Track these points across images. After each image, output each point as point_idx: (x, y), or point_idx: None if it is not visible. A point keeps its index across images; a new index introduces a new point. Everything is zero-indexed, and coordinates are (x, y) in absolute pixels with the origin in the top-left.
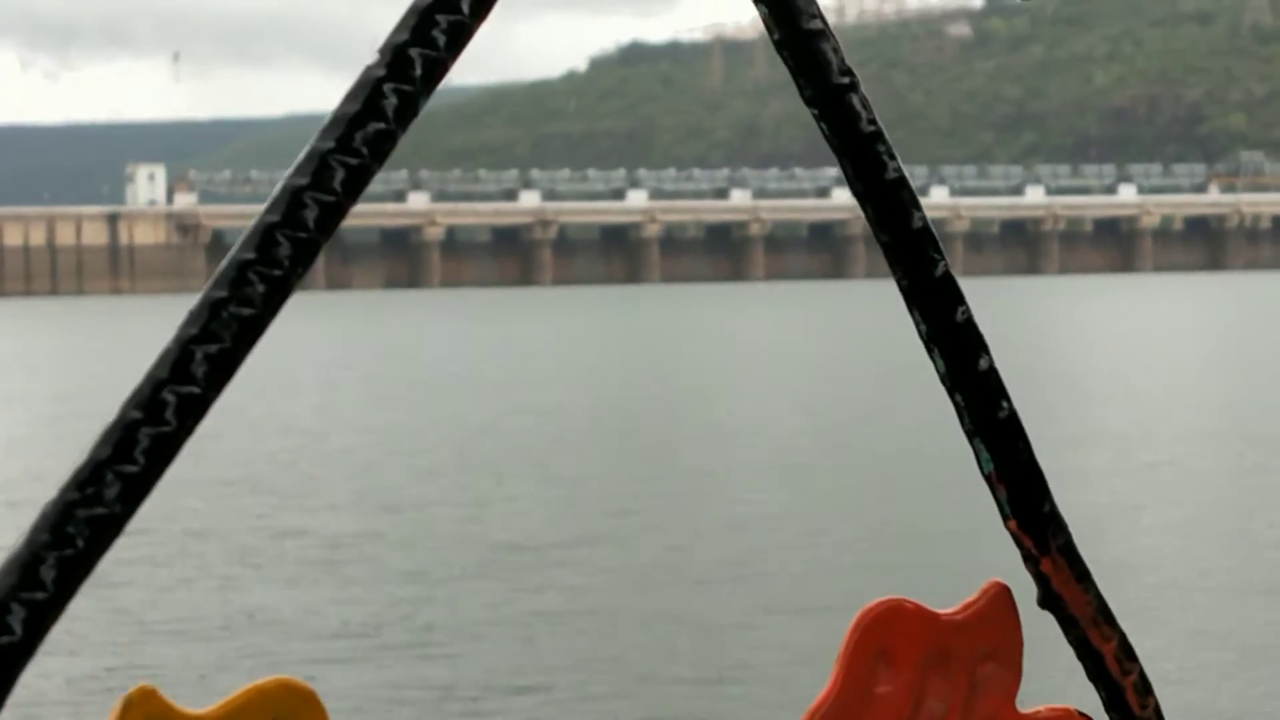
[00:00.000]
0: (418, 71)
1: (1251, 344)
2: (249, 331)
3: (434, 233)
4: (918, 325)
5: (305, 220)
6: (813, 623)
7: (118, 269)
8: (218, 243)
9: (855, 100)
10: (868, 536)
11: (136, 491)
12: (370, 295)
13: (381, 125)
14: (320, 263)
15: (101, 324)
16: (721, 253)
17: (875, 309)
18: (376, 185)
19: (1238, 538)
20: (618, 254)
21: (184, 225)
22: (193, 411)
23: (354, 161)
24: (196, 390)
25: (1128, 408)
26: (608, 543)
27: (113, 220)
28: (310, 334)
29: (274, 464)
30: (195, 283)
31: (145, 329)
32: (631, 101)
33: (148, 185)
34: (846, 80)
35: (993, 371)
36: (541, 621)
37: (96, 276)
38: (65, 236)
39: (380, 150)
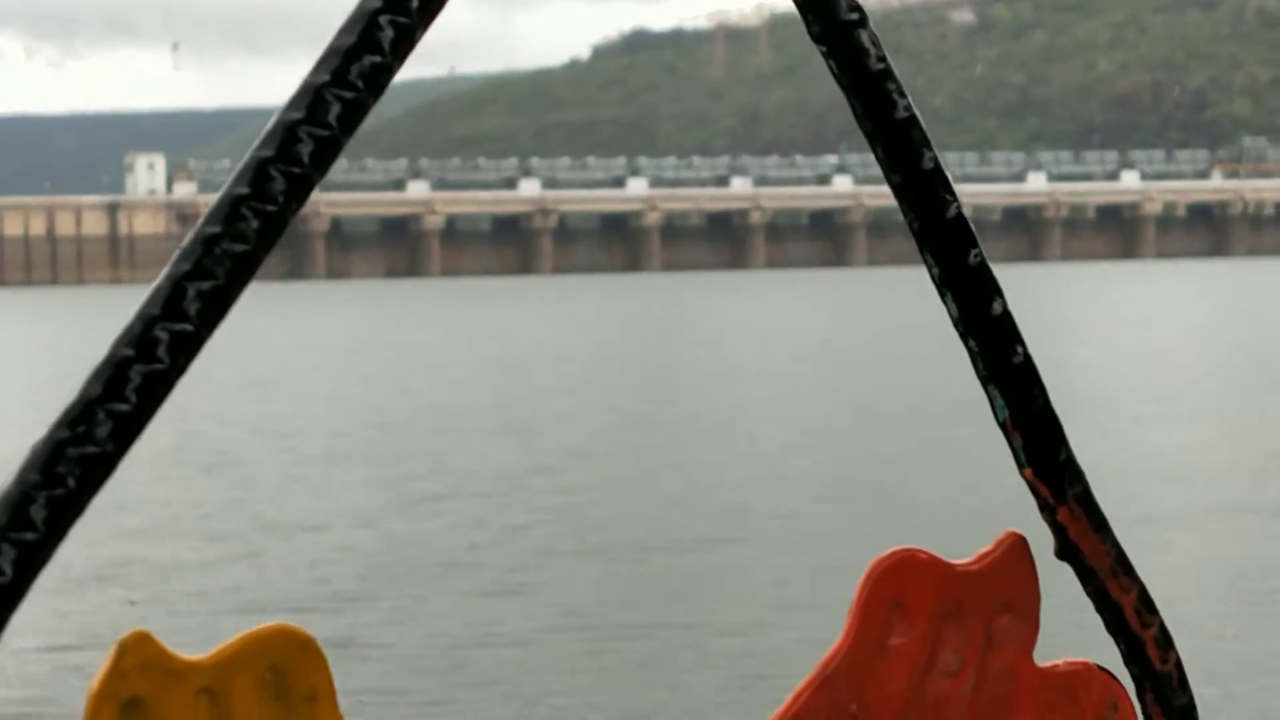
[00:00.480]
0: (414, 4)
1: (1256, 331)
2: (243, 267)
3: (434, 221)
4: (930, 269)
5: (300, 155)
6: (823, 583)
7: (117, 258)
8: None
9: (864, 36)
10: (876, 522)
11: (128, 430)
12: (370, 284)
13: (377, 58)
14: (319, 252)
15: (101, 313)
16: (722, 240)
17: (876, 296)
18: (376, 174)
19: (1243, 526)
20: (618, 242)
21: (184, 215)
22: (185, 349)
23: (349, 95)
24: (189, 328)
25: (1132, 396)
26: (612, 524)
27: (112, 210)
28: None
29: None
30: None
31: None
32: (634, 90)
33: (147, 175)
34: (855, 16)
35: (1007, 316)
36: (555, 596)
37: (96, 266)
38: (65, 226)
39: (376, 84)
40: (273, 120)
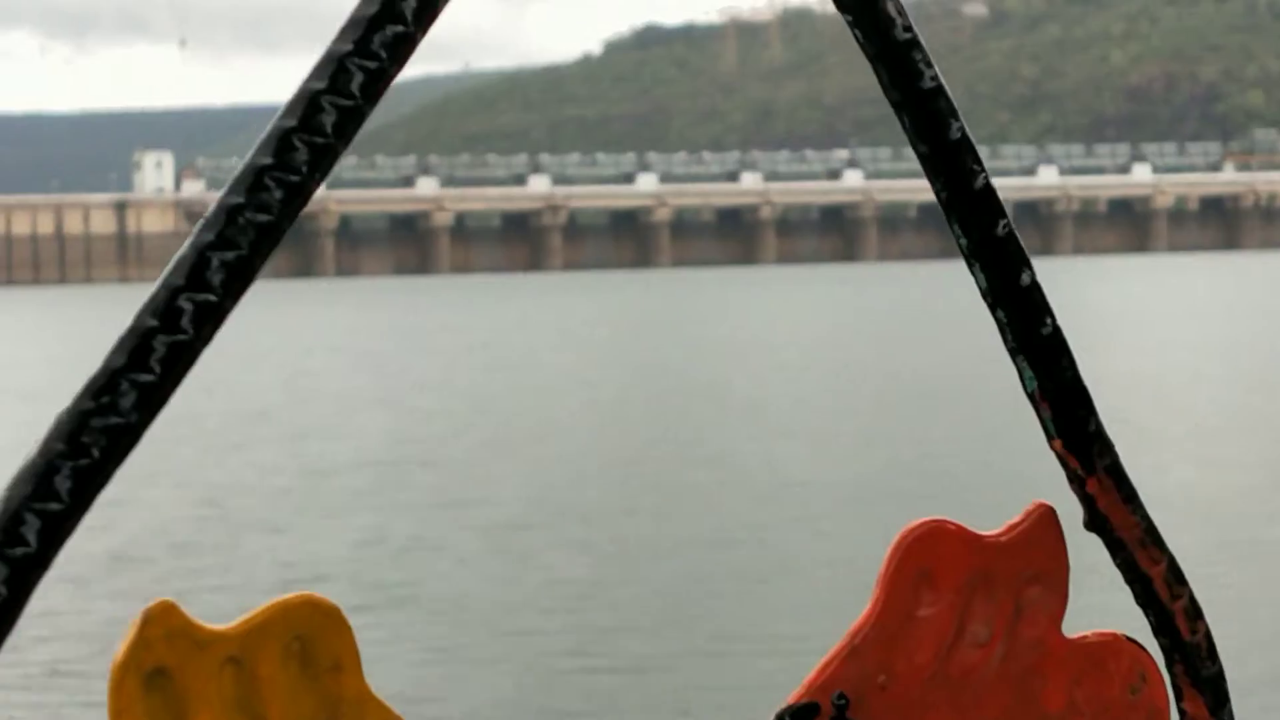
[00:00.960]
0: None
1: (1268, 323)
2: (266, 238)
3: (443, 218)
4: (958, 239)
5: (323, 125)
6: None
7: (125, 257)
8: None
9: (890, 6)
10: (889, 508)
11: (153, 401)
12: (379, 282)
13: (400, 28)
14: (329, 249)
15: (109, 312)
16: (732, 236)
17: (886, 291)
18: (385, 171)
19: (1254, 518)
20: (628, 238)
21: (192, 212)
22: (210, 319)
23: (372, 65)
24: (213, 298)
25: (1143, 390)
26: (625, 513)
27: (120, 208)
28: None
29: None
30: None
31: None
32: (646, 85)
33: (155, 173)
34: None
35: (1036, 287)
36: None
37: (104, 264)
38: (73, 225)
39: (399, 53)
40: (295, 90)
